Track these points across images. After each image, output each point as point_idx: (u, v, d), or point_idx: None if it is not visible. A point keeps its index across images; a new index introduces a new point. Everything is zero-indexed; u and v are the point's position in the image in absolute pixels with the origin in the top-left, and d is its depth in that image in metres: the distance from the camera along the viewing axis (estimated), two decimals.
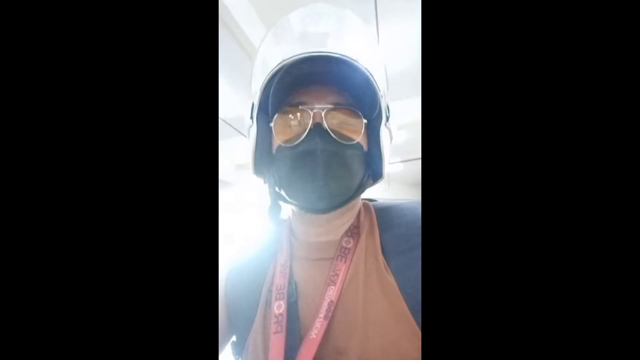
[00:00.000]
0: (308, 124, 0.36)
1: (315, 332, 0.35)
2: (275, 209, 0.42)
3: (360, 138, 0.38)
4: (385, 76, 0.43)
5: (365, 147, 0.40)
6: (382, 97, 0.39)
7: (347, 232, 0.42)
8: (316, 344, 0.34)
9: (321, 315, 0.36)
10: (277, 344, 0.36)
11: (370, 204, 0.47)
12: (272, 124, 0.39)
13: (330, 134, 0.36)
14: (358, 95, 0.38)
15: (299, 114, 0.38)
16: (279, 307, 0.39)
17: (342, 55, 0.36)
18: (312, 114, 0.37)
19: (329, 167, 0.36)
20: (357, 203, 0.44)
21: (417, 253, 0.37)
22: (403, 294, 0.35)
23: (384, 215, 0.43)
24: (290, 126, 0.38)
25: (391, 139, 0.43)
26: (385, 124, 0.40)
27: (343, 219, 0.42)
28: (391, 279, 0.36)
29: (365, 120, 0.38)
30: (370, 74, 0.37)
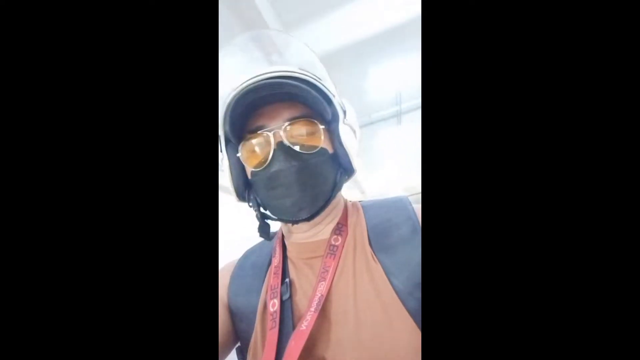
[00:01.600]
0: (271, 146, 0.38)
1: (305, 324, 0.36)
2: (264, 227, 0.45)
3: (323, 143, 0.40)
4: (329, 78, 0.44)
5: (331, 149, 0.42)
6: (333, 97, 0.41)
7: (335, 230, 0.43)
8: (305, 335, 0.35)
9: (312, 309, 0.37)
10: (271, 338, 0.37)
11: (358, 202, 0.49)
12: (239, 155, 0.40)
13: (293, 148, 0.38)
14: (310, 104, 0.39)
15: (260, 138, 0.39)
16: (274, 305, 0.40)
17: (286, 71, 0.37)
18: (271, 135, 0.38)
19: (301, 180, 0.38)
20: (339, 201, 0.47)
21: (401, 241, 0.40)
22: (390, 279, 0.37)
23: (370, 210, 0.46)
24: (255, 151, 0.40)
25: (354, 132, 0.44)
26: (344, 121, 0.41)
27: (328, 219, 0.44)
28: (378, 267, 0.38)
29: (322, 126, 0.40)
30: (317, 79, 0.39)
